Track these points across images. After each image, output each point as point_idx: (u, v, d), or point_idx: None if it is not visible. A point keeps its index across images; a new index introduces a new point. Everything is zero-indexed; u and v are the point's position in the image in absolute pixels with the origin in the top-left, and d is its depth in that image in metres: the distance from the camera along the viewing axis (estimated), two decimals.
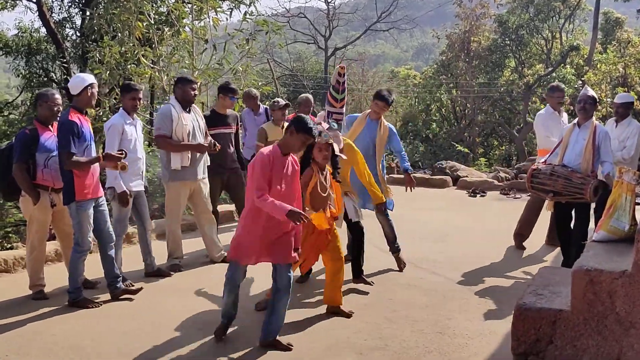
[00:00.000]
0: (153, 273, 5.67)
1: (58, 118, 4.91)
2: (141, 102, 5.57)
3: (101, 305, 4.83)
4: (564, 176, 5.24)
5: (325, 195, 4.46)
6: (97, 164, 4.87)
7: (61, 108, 4.97)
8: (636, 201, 3.95)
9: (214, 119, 6.35)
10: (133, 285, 5.23)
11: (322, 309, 4.67)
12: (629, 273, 3.26)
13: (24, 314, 4.67)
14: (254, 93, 7.48)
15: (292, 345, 4.01)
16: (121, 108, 5.47)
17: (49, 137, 4.92)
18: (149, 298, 5.04)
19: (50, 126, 4.97)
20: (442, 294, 5.13)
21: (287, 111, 6.86)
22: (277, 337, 4.02)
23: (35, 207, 4.93)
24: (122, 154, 4.86)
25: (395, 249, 5.75)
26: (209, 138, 5.97)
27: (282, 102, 6.90)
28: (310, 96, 7.36)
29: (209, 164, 6.08)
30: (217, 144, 5.92)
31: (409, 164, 6.02)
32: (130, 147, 5.27)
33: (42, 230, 5.12)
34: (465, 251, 6.55)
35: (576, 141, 5.40)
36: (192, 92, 5.80)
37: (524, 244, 6.66)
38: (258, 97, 7.90)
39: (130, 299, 5.00)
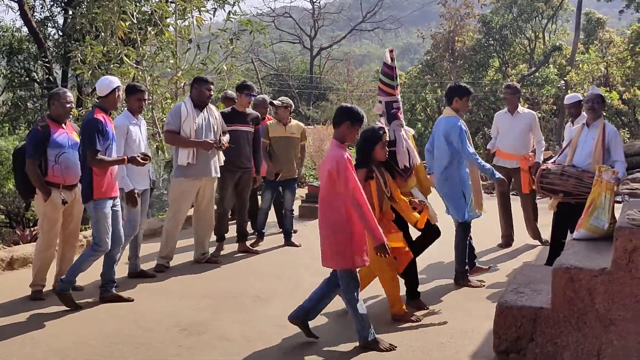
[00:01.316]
0: (136, 274, 5.63)
1: (70, 115, 5.03)
2: (146, 102, 5.62)
3: (82, 308, 4.75)
4: (575, 176, 5.18)
5: (389, 196, 4.43)
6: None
7: (73, 106, 5.03)
8: (615, 199, 4.00)
9: (232, 116, 6.37)
10: (117, 286, 5.21)
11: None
12: (608, 270, 3.30)
13: (5, 316, 4.61)
14: (230, 94, 7.54)
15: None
16: (125, 109, 5.47)
17: (61, 134, 4.94)
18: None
19: (63, 124, 4.99)
20: (425, 292, 5.14)
21: (280, 110, 6.83)
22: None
23: (46, 204, 4.92)
24: (146, 158, 4.93)
25: None
26: (225, 137, 5.96)
27: (278, 102, 6.90)
28: (267, 97, 7.40)
29: (222, 164, 6.05)
30: (224, 141, 5.90)
31: None
32: (135, 147, 5.27)
33: (55, 229, 5.09)
34: (448, 249, 6.56)
35: (585, 141, 5.32)
36: (208, 92, 5.84)
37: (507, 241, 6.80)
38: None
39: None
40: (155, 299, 5.02)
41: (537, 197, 9.35)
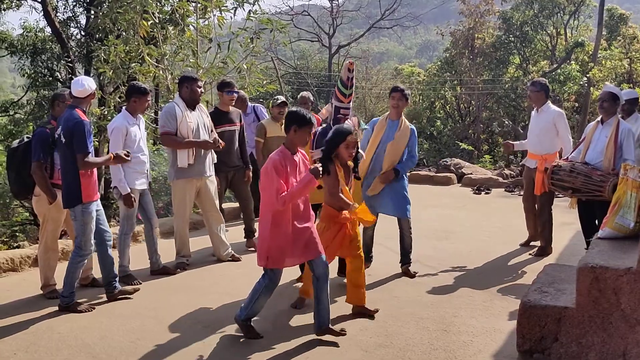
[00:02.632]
0: (159, 271, 5.70)
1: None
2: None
3: (94, 309, 4.78)
4: (584, 173, 5.15)
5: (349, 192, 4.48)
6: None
7: None
8: None
9: (217, 117, 6.35)
10: (140, 283, 5.29)
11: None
12: (635, 270, 3.26)
13: (32, 312, 4.70)
14: (241, 94, 7.58)
15: (345, 331, 4.14)
16: (124, 108, 5.48)
17: None
18: (154, 296, 5.07)
19: None
20: (446, 291, 5.14)
21: (285, 109, 6.90)
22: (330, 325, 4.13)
23: (52, 206, 4.95)
24: (128, 155, 4.84)
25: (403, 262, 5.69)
26: (215, 135, 5.97)
27: (280, 99, 6.99)
28: (308, 93, 7.37)
29: (215, 161, 6.08)
30: (221, 141, 5.91)
31: (404, 167, 5.55)
32: (134, 147, 5.31)
33: (57, 230, 5.17)
34: (470, 248, 6.56)
35: (598, 138, 5.29)
36: (199, 90, 5.83)
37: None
38: (246, 99, 7.94)
39: (128, 299, 5.01)
40: (177, 296, 5.07)
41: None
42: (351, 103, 5.13)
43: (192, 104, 5.80)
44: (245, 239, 6.68)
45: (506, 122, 25.72)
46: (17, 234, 12.86)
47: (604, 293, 3.33)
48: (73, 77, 15.98)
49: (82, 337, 4.20)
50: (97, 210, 4.84)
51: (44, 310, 4.72)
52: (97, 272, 5.36)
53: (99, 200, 4.93)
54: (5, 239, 11.69)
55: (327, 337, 4.10)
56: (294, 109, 4.12)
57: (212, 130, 6.00)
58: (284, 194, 3.86)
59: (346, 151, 4.32)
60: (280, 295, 5.02)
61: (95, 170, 4.78)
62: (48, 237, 5.12)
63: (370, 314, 4.54)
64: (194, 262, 6.04)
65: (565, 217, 7.38)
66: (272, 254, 4.01)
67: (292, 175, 3.97)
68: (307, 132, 4.01)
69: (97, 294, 5.10)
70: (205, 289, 5.28)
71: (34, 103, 17.75)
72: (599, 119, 5.46)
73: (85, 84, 4.71)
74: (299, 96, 7.11)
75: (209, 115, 6.05)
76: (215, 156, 6.07)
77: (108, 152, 5.04)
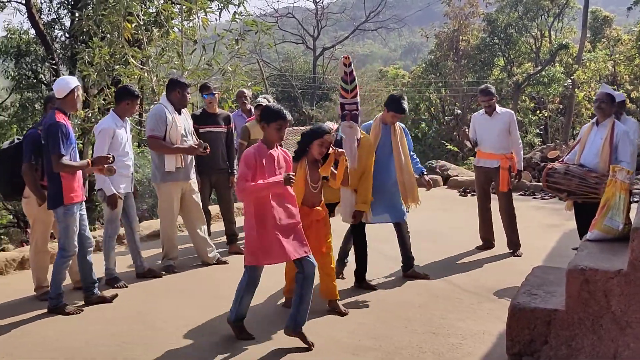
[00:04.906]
0: (144, 274, 5.63)
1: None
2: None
3: (82, 311, 4.71)
4: (579, 176, 5.13)
5: (316, 191, 4.49)
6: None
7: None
8: (631, 200, 3.96)
9: (203, 118, 6.33)
10: (126, 286, 5.27)
11: (315, 310, 4.63)
12: (625, 272, 3.26)
13: (17, 316, 4.62)
14: (240, 91, 7.46)
15: (313, 345, 4.00)
16: (112, 111, 5.43)
17: None
18: (140, 299, 5.00)
19: None
20: (434, 293, 5.12)
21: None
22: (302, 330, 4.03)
23: (41, 207, 4.90)
24: (109, 157, 4.75)
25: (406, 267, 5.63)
26: (195, 139, 5.92)
27: (256, 102, 6.85)
28: (263, 99, 7.27)
29: (195, 163, 6.04)
30: (208, 147, 5.84)
31: (420, 165, 5.99)
32: (120, 149, 5.26)
33: (47, 232, 5.12)
34: (457, 251, 6.55)
35: (594, 140, 5.26)
36: (189, 96, 5.83)
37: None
38: (245, 95, 7.68)
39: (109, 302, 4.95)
40: (164, 299, 5.02)
41: (538, 196, 9.30)
42: (357, 97, 5.02)
43: (180, 108, 5.77)
44: (228, 245, 6.62)
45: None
46: (1, 237, 12.71)
47: (594, 295, 3.33)
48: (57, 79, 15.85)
49: (67, 341, 4.12)
50: (80, 213, 4.78)
51: (29, 314, 4.64)
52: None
53: (83, 203, 4.86)
54: None
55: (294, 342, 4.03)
56: (266, 105, 4.11)
57: (193, 133, 5.96)
58: (248, 183, 3.84)
59: (318, 148, 4.37)
60: (274, 296, 4.99)
61: (79, 172, 4.71)
62: (38, 239, 5.07)
63: (340, 313, 4.61)
64: (179, 265, 5.97)
65: (552, 219, 7.43)
66: (253, 251, 3.98)
67: (268, 170, 3.95)
68: (276, 127, 3.95)
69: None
70: (192, 292, 5.23)
71: (17, 105, 17.58)
72: (593, 120, 5.43)
73: (61, 82, 4.68)
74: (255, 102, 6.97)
75: (191, 118, 6.03)
76: (193, 159, 6.02)
77: (93, 154, 4.96)
